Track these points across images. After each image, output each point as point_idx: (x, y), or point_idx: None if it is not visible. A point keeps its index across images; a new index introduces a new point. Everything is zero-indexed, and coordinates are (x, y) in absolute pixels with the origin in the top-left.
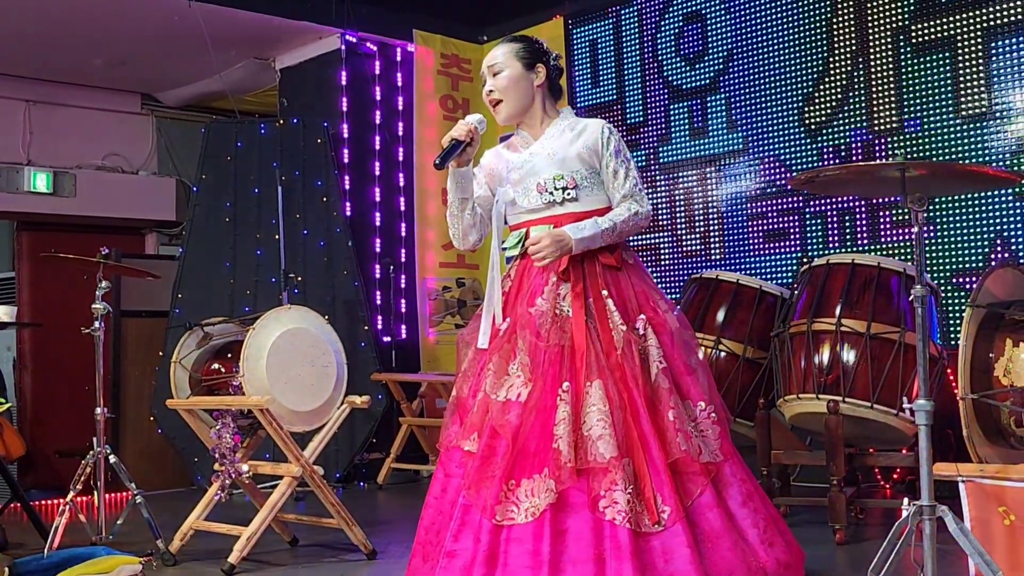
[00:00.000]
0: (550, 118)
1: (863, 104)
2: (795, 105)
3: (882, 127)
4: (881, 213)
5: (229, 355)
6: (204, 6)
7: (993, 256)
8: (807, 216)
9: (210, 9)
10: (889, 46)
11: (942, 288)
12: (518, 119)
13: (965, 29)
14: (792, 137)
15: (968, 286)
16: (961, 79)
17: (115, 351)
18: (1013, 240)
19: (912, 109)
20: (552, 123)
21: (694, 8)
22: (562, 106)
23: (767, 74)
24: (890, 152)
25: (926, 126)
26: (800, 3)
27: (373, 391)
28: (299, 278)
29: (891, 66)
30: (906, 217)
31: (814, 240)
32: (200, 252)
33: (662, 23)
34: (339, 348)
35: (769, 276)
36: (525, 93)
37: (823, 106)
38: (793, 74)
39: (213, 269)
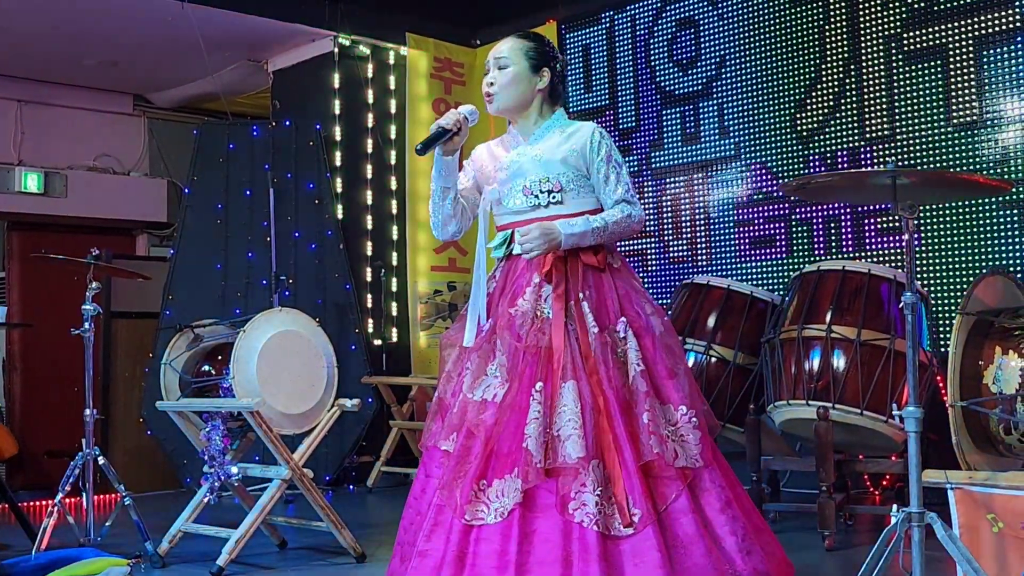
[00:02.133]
0: (544, 119)
1: (855, 111)
2: (787, 112)
3: (874, 134)
4: (867, 220)
5: (219, 357)
6: (197, 7)
7: (983, 264)
8: (796, 222)
9: (203, 10)
10: (881, 54)
11: (932, 295)
12: (509, 115)
13: (957, 38)
14: (784, 143)
15: (958, 293)
16: (952, 87)
17: (105, 352)
18: (1003, 248)
19: (903, 117)
20: (543, 125)
21: (687, 14)
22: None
23: (759, 80)
24: (881, 160)
25: (917, 134)
26: (793, 10)
27: (363, 394)
28: (290, 280)
29: (883, 74)
30: (892, 224)
31: (804, 247)
32: (191, 254)
33: (655, 28)
34: (330, 351)
35: (762, 283)
36: (524, 93)
37: (815, 113)
38: (785, 81)
39: (204, 271)
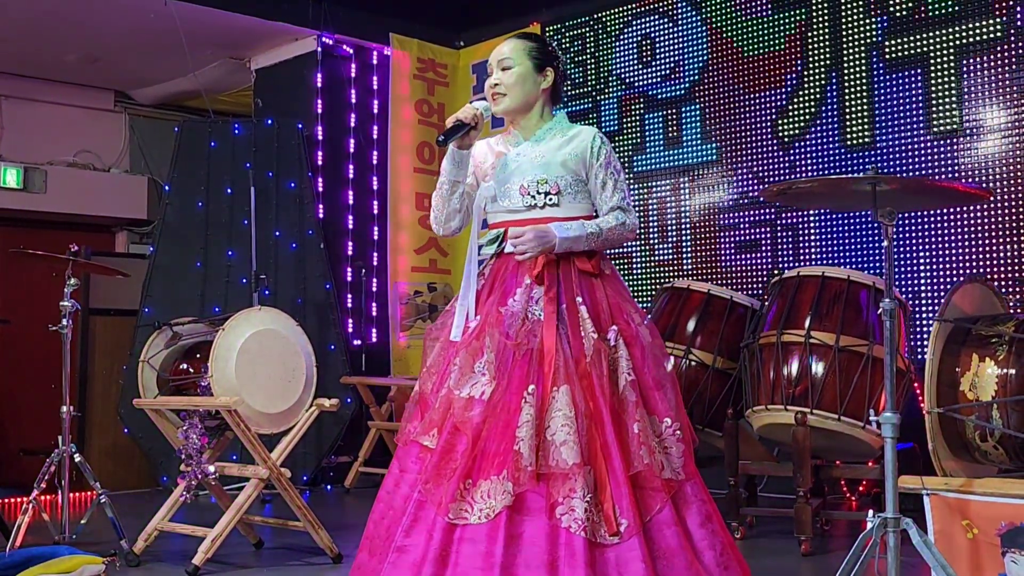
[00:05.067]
0: (544, 121)
1: (836, 118)
2: (769, 117)
3: (854, 141)
4: (853, 226)
5: (198, 355)
6: (180, 4)
7: (961, 271)
8: (779, 228)
9: (186, 8)
10: (863, 62)
11: (910, 302)
12: (513, 115)
13: (937, 47)
14: (765, 149)
15: (936, 300)
16: (933, 96)
17: (83, 349)
18: (981, 255)
19: (884, 124)
20: (544, 126)
21: (671, 18)
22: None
23: (742, 86)
24: (862, 166)
25: (898, 141)
26: (776, 17)
27: (342, 394)
28: (270, 279)
29: (864, 81)
30: (874, 231)
31: (785, 252)
32: (171, 251)
33: (638, 32)
34: (309, 350)
35: (741, 287)
36: (529, 93)
37: (796, 119)
38: (767, 87)
39: (184, 269)
